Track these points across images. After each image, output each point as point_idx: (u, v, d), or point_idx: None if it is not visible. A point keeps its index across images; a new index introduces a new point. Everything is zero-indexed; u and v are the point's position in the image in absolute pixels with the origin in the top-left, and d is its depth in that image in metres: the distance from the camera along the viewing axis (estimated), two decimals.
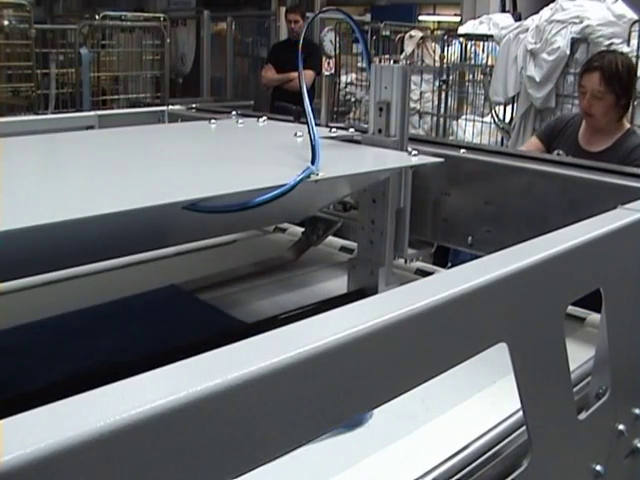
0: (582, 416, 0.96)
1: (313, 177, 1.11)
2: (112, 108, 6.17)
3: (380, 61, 6.71)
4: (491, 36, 5.49)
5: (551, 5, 5.12)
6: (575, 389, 0.97)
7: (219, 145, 1.56)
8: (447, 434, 0.98)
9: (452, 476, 0.82)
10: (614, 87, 2.67)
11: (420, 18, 12.72)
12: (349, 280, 1.52)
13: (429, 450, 0.92)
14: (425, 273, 1.64)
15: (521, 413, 0.80)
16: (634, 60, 4.75)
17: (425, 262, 1.70)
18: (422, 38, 6.63)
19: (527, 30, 5.12)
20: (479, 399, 1.09)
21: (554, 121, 3.08)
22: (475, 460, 0.84)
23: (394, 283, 1.45)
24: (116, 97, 6.81)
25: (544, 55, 4.83)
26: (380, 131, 1.42)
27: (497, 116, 5.33)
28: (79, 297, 1.48)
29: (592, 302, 1.06)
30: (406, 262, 1.58)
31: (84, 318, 1.36)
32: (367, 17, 10.75)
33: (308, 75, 5.20)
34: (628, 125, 2.81)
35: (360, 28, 1.53)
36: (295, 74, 5.30)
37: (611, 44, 4.75)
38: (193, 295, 1.52)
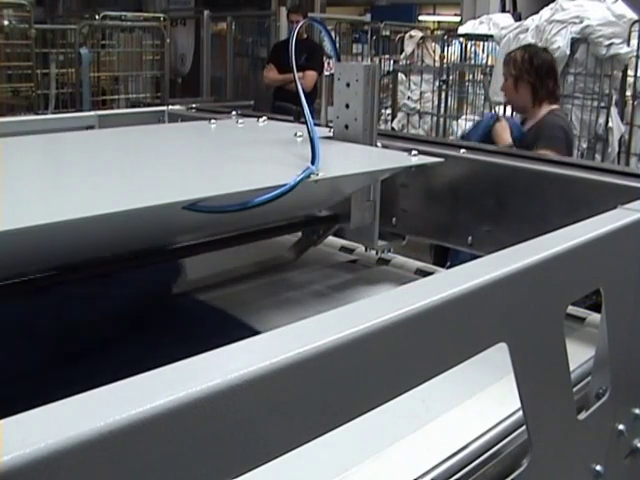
0: (582, 416, 0.96)
1: (313, 177, 1.11)
2: (112, 108, 6.17)
3: (380, 61, 6.71)
4: (491, 36, 5.49)
5: (551, 5, 5.12)
6: (575, 389, 0.97)
7: (219, 145, 1.56)
8: (447, 434, 0.98)
9: (452, 476, 0.81)
10: (509, 69, 3.05)
11: (420, 18, 12.75)
12: None
13: (429, 450, 0.92)
14: (425, 273, 1.64)
15: (521, 413, 0.80)
16: (634, 60, 4.77)
17: (425, 262, 1.70)
18: (422, 38, 6.63)
19: (527, 30, 5.12)
20: (479, 399, 1.08)
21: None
22: (475, 460, 0.84)
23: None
24: (116, 97, 6.82)
25: None
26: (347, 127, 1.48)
27: None
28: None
29: None
30: (377, 253, 1.60)
31: None
32: (367, 17, 10.76)
33: (311, 75, 5.18)
34: (551, 107, 3.05)
35: (332, 37, 1.58)
36: (298, 74, 5.28)
37: (611, 44, 4.76)
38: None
